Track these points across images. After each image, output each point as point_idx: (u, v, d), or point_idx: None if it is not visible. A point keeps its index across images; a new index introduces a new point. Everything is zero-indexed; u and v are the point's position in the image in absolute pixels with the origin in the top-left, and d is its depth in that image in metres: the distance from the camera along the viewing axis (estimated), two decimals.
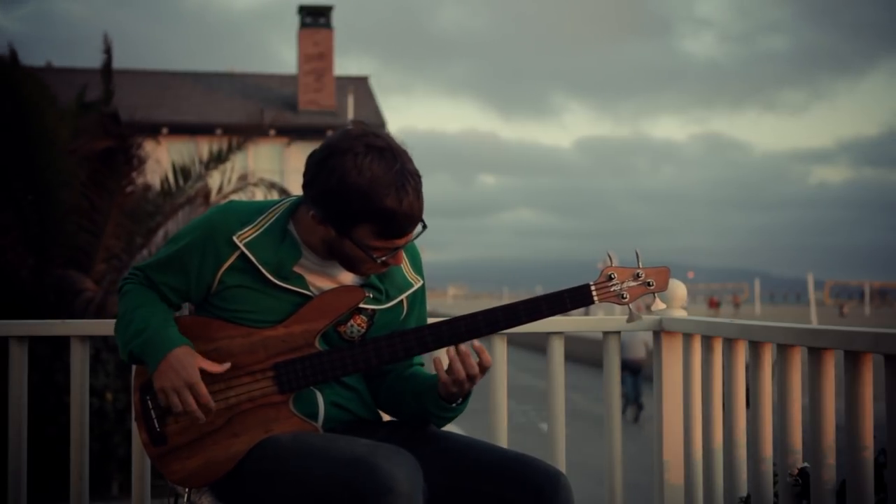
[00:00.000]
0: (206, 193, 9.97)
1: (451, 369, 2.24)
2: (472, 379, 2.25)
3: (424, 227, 2.24)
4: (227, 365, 2.25)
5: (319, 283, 2.31)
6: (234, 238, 2.26)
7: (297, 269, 2.28)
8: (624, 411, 16.16)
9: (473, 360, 2.25)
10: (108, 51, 9.51)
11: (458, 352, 2.25)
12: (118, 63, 9.79)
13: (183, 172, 9.92)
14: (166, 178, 9.91)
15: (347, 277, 2.33)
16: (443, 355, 2.34)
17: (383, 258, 2.21)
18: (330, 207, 2.17)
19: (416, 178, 2.18)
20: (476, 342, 2.27)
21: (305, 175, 2.22)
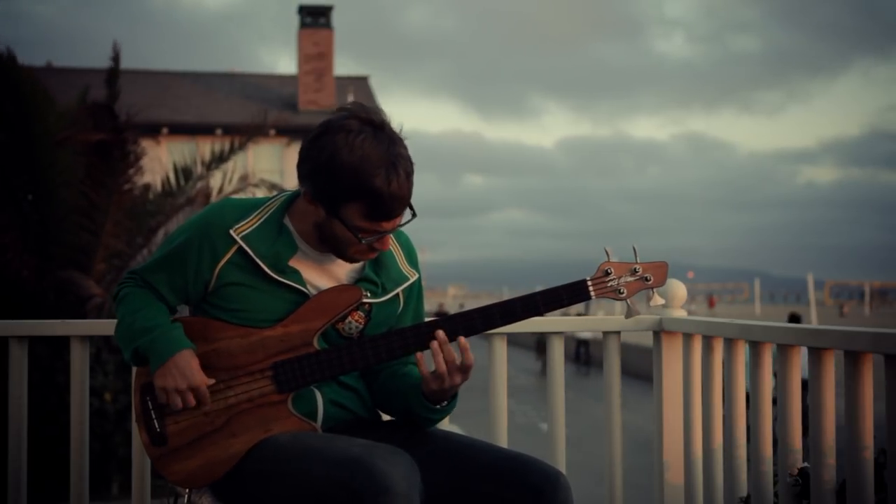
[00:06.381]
0: (207, 194, 9.98)
1: (433, 362, 2.23)
2: (451, 373, 2.22)
3: (414, 214, 2.23)
4: (213, 381, 2.25)
5: (316, 278, 2.30)
6: (231, 231, 2.26)
7: (293, 264, 2.28)
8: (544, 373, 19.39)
9: (456, 354, 2.23)
10: (115, 58, 9.53)
11: (440, 342, 2.22)
12: (94, 62, 9.86)
13: (184, 173, 9.94)
14: (167, 179, 9.93)
15: (342, 271, 2.33)
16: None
17: (370, 240, 2.20)
18: (320, 184, 2.18)
19: (408, 162, 2.18)
20: (462, 340, 2.24)
21: (300, 154, 2.23)
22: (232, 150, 10.33)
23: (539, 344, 26.27)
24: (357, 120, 2.18)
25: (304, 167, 2.21)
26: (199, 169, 10.10)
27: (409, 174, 2.17)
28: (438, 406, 2.31)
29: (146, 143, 9.82)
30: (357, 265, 2.34)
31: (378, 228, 2.19)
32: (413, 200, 2.21)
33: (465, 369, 2.23)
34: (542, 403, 17.23)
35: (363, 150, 2.13)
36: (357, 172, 2.12)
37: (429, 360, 2.25)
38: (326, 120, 2.21)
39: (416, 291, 2.44)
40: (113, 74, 9.50)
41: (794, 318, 13.30)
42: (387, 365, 2.40)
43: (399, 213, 2.20)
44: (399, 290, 2.37)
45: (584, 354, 25.93)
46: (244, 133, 10.70)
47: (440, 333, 2.23)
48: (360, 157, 2.13)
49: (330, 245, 2.26)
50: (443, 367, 2.21)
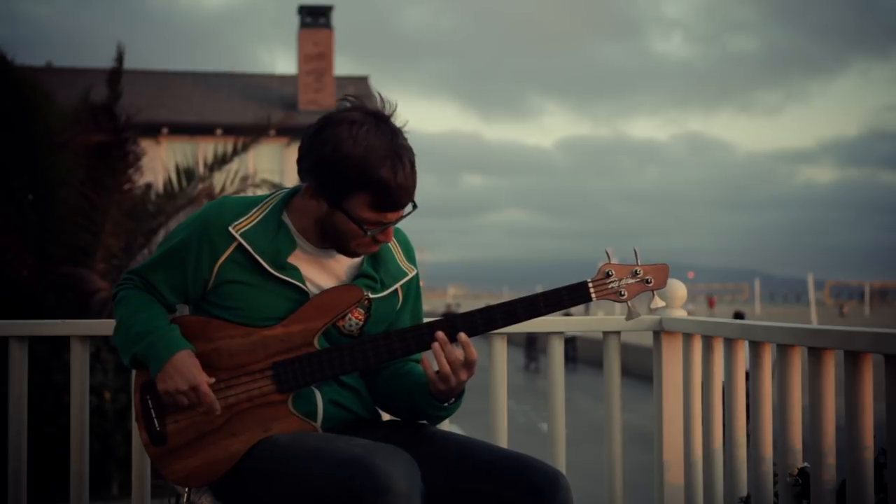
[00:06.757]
0: (210, 194, 9.98)
1: (436, 363, 2.23)
2: (456, 371, 2.21)
3: (415, 206, 2.24)
4: (213, 380, 2.25)
5: (314, 274, 2.30)
6: (230, 229, 2.26)
7: (292, 260, 2.28)
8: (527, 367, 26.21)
9: (458, 353, 2.23)
10: (119, 59, 9.53)
11: (441, 343, 2.21)
12: (94, 62, 9.88)
13: (186, 174, 9.94)
14: (169, 180, 9.92)
15: (341, 267, 2.33)
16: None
17: (374, 231, 2.21)
18: (324, 177, 2.18)
19: (411, 152, 2.20)
20: (463, 336, 2.23)
21: (301, 149, 2.23)
22: (235, 152, 10.33)
23: (529, 341, 26.91)
24: (359, 112, 2.19)
25: (307, 161, 2.21)
26: (201, 170, 10.10)
27: (414, 164, 2.19)
28: (446, 403, 2.31)
29: (146, 144, 9.82)
30: (356, 261, 2.35)
31: (383, 220, 2.20)
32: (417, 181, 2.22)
33: (469, 365, 2.23)
34: (534, 400, 17.23)
35: (368, 142, 2.14)
36: (363, 164, 2.13)
37: (432, 362, 2.25)
38: (327, 113, 2.22)
39: (414, 288, 2.44)
40: (116, 75, 9.49)
41: (738, 316, 13.43)
42: (387, 364, 2.40)
43: (405, 204, 2.21)
44: (398, 285, 2.38)
45: (571, 351, 26.33)
46: (245, 134, 10.71)
47: (440, 334, 2.23)
48: (366, 148, 2.14)
49: (332, 240, 2.26)
50: (446, 367, 2.21)
